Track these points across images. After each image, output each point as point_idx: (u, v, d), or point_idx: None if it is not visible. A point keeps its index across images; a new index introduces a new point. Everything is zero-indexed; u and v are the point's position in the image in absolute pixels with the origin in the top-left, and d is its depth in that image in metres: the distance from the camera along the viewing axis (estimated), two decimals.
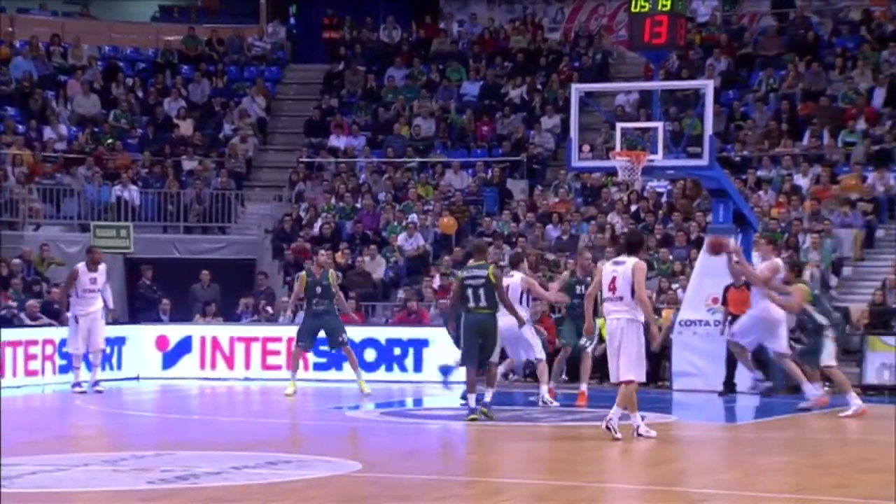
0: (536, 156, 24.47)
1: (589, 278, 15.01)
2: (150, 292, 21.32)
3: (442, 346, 17.82)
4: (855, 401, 14.13)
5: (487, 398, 13.24)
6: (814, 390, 14.47)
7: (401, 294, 20.73)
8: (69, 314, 16.50)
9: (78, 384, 16.47)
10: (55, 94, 25.58)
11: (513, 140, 24.78)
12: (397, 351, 18.49)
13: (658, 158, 16.17)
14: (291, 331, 19.18)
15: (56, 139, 24.45)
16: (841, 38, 25.00)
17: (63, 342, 16.95)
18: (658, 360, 16.91)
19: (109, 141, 24.96)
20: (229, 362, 18.93)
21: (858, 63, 23.85)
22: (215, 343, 18.98)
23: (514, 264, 14.87)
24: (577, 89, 17.28)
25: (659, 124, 16.60)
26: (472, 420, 13.01)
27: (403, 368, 18.46)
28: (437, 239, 22.66)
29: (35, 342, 17.43)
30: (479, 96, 26.22)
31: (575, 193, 23.20)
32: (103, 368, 17.26)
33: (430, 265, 21.78)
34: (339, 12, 28.56)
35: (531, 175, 24.33)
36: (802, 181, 21.79)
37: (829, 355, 14.28)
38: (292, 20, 30.09)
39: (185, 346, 19.03)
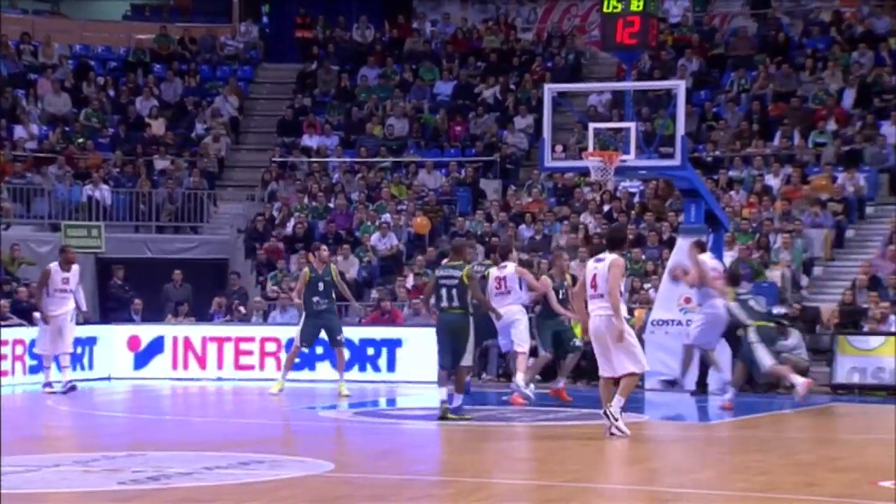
0: (509, 156, 24.50)
1: (566, 282, 15.08)
2: (122, 292, 21.22)
3: (416, 346, 17.84)
4: (729, 395, 14.73)
5: (456, 403, 13.19)
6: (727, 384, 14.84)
7: (374, 294, 20.72)
8: (37, 315, 16.40)
9: (49, 384, 16.37)
10: (25, 92, 25.40)
11: (486, 140, 24.81)
12: (371, 351, 18.48)
13: (630, 158, 16.23)
14: (264, 331, 19.20)
15: (26, 138, 24.28)
16: (811, 39, 25.17)
17: (33, 342, 16.85)
18: None
19: (80, 140, 24.83)
20: (201, 362, 18.87)
21: (829, 64, 24.01)
22: (187, 343, 18.90)
23: (504, 255, 14.96)
24: (549, 89, 17.33)
25: (631, 124, 16.66)
26: (443, 419, 13.05)
27: (377, 368, 18.45)
28: (410, 239, 22.66)
29: (5, 342, 17.30)
30: (452, 96, 26.24)
31: (548, 193, 23.25)
32: (74, 369, 17.16)
33: (404, 265, 21.78)
34: (311, 12, 28.53)
35: (504, 175, 24.37)
36: (773, 181, 21.92)
37: (763, 357, 14.54)
38: (265, 19, 30.04)
39: (157, 346, 18.95)
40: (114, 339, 18.87)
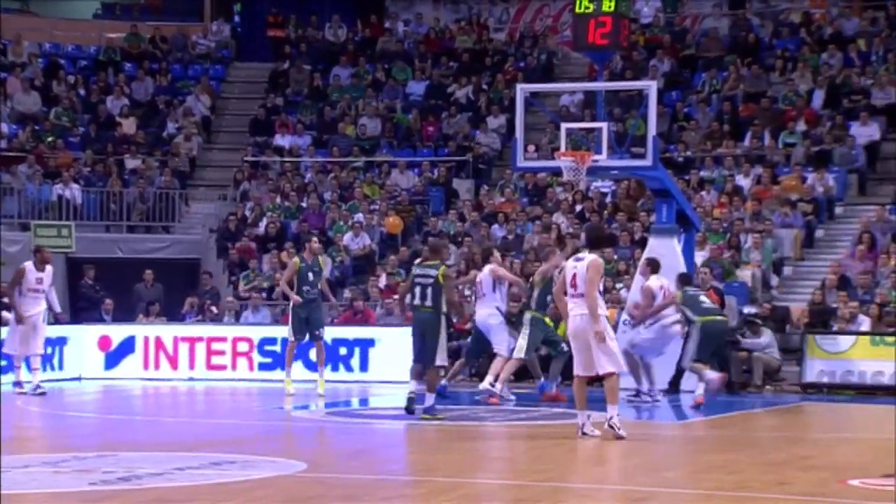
0: (482, 155, 24.53)
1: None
2: (93, 292, 21.12)
3: (388, 346, 17.83)
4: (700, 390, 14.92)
5: (428, 402, 13.18)
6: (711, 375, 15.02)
7: (347, 293, 20.70)
8: (9, 314, 16.29)
9: (19, 384, 16.26)
10: None
11: (458, 140, 24.83)
12: (343, 351, 18.45)
13: (602, 159, 16.29)
14: (236, 331, 19.14)
15: None
16: (781, 41, 25.31)
17: (2, 342, 16.73)
18: None
19: (51, 139, 24.68)
20: (173, 362, 18.79)
21: (798, 65, 24.16)
22: (159, 343, 18.83)
23: (485, 259, 15.05)
24: (522, 89, 17.35)
25: (603, 125, 16.72)
26: (409, 411, 13.13)
27: (349, 368, 18.43)
28: (383, 238, 22.65)
29: None
30: (424, 96, 26.24)
31: (520, 193, 23.30)
32: (44, 369, 17.05)
33: (377, 265, 21.77)
34: (283, 11, 28.46)
35: (477, 175, 24.40)
36: (744, 182, 22.04)
37: (692, 352, 14.90)
38: (237, 18, 29.93)
39: (128, 346, 18.87)
40: (84, 339, 18.76)
